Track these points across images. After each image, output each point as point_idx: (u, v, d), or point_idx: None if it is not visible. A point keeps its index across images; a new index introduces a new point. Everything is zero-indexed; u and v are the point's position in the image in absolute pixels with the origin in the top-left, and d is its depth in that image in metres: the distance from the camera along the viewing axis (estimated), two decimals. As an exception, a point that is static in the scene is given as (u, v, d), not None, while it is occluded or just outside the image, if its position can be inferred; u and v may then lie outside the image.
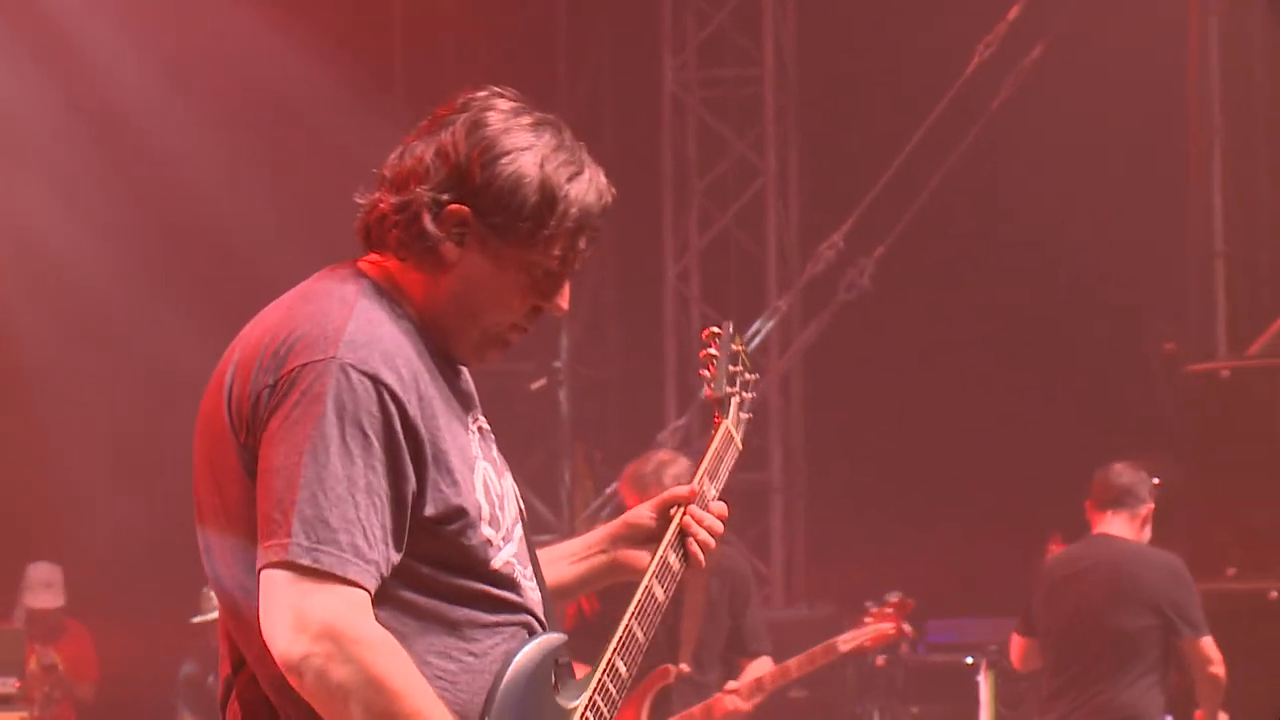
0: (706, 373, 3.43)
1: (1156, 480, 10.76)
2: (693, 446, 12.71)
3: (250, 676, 2.82)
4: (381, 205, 2.91)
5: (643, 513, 3.28)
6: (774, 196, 12.84)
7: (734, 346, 3.46)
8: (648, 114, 13.09)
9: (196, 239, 11.56)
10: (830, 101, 12.75)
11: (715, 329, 3.48)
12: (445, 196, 2.87)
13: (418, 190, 2.87)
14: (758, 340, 12.51)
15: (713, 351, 3.43)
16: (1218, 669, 7.46)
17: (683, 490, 3.26)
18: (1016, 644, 8.05)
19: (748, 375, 3.48)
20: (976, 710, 8.96)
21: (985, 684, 8.88)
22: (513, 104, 2.98)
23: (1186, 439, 9.87)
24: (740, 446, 3.42)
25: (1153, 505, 7.76)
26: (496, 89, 3.00)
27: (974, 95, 11.55)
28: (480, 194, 2.88)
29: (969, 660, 9.75)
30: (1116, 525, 7.71)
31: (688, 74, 13.06)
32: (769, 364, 12.61)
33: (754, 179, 12.92)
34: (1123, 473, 7.77)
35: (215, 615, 3.08)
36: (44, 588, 10.57)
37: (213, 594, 3.05)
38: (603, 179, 3.03)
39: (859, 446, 12.53)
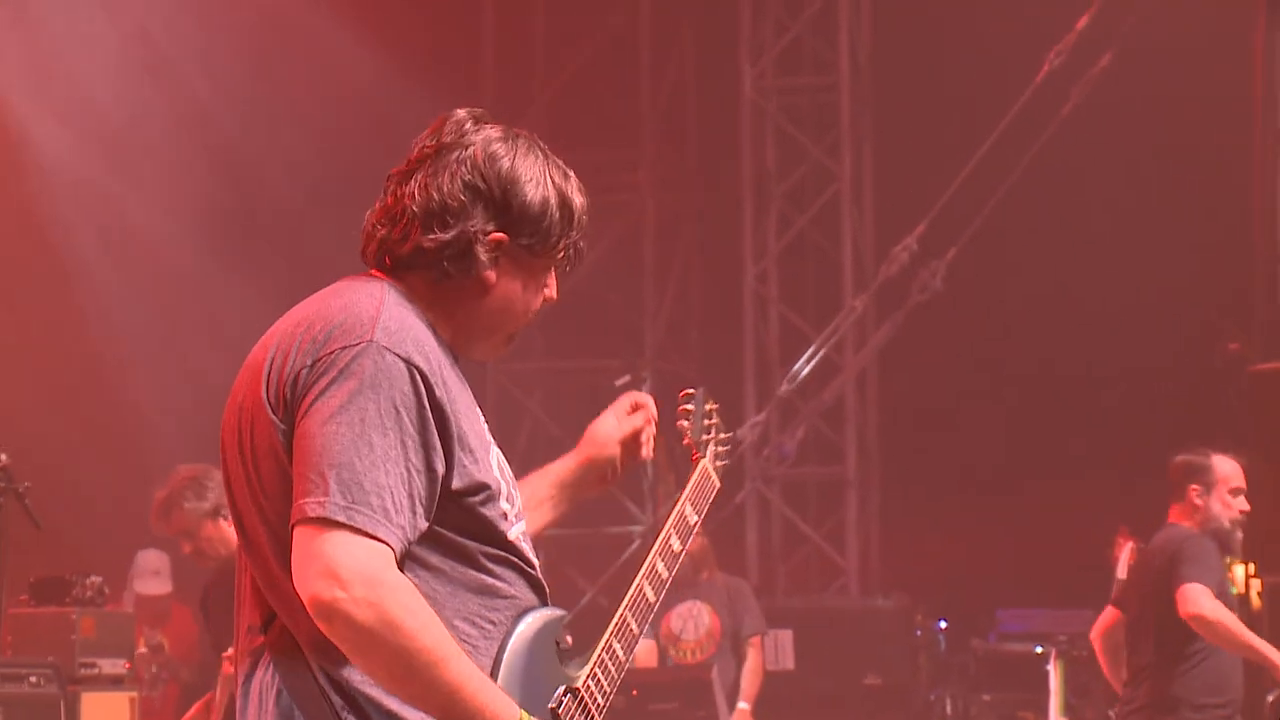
0: (685, 423, 3.66)
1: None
2: (771, 441, 12.72)
3: (281, 628, 2.95)
4: (424, 242, 3.05)
5: (605, 433, 3.53)
6: (849, 200, 12.81)
7: (706, 406, 3.72)
8: (728, 121, 13.10)
9: (285, 246, 11.62)
10: (904, 108, 12.70)
11: (690, 390, 3.76)
12: (490, 227, 3.06)
13: (464, 226, 3.05)
14: (834, 339, 12.49)
15: (688, 407, 3.67)
16: (1195, 612, 7.18)
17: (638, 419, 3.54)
18: (1106, 613, 7.82)
19: (721, 433, 3.74)
20: (1046, 698, 8.90)
21: (1055, 673, 8.84)
22: (500, 127, 3.15)
23: (1251, 437, 9.76)
24: (718, 484, 3.66)
25: (1196, 485, 7.52)
26: (473, 111, 3.17)
27: (1044, 102, 11.50)
28: (517, 221, 3.07)
29: (1039, 650, 9.70)
30: (1174, 513, 7.60)
31: (766, 82, 13.06)
32: (845, 362, 12.60)
33: (830, 183, 12.90)
34: (1173, 464, 7.60)
35: None
36: (152, 574, 10.65)
37: None
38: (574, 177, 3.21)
39: (932, 441, 12.49)
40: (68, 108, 11.42)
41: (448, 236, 3.04)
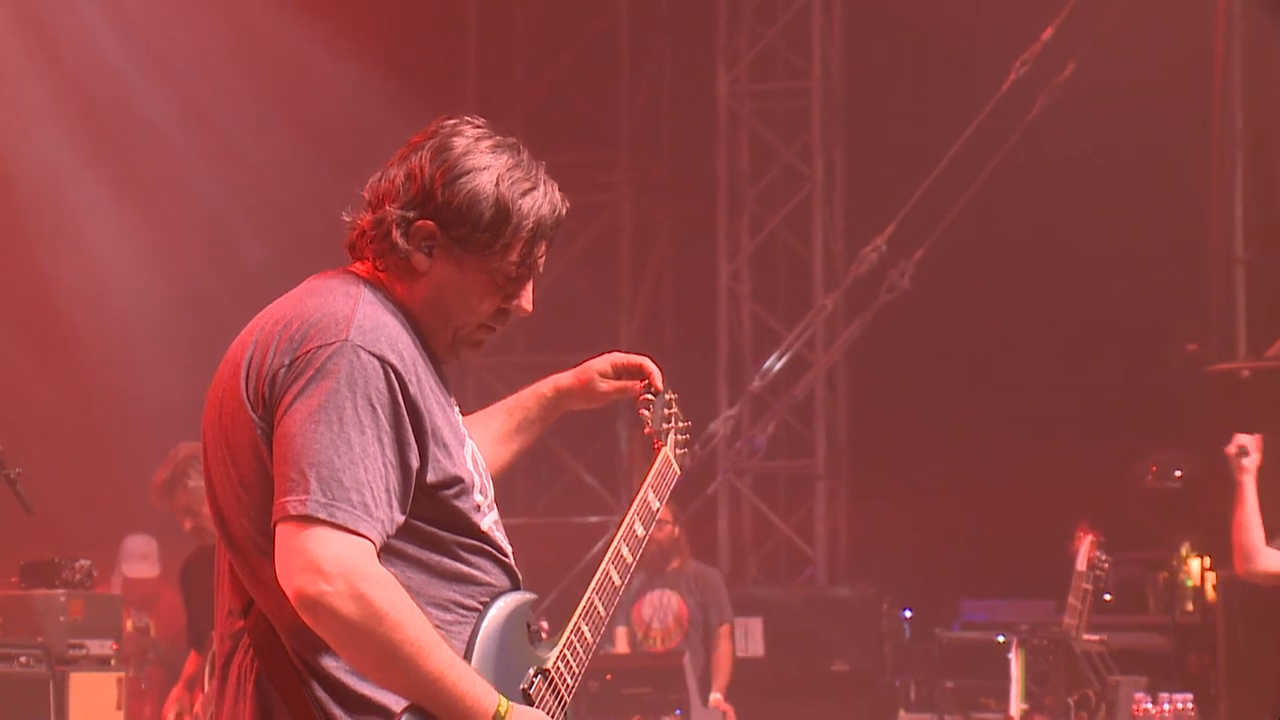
0: (646, 412, 3.56)
1: (1179, 473, 10.62)
2: (742, 435, 12.65)
3: (259, 616, 2.95)
4: (361, 222, 3.08)
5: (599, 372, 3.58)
6: (820, 202, 12.77)
7: (666, 396, 3.64)
8: (703, 124, 13.05)
9: (270, 241, 11.55)
10: (874, 113, 12.67)
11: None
12: (412, 214, 3.03)
13: (389, 208, 3.03)
14: (804, 337, 12.45)
15: (649, 397, 3.57)
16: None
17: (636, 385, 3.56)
18: None
19: (680, 422, 3.66)
20: (1008, 685, 8.87)
21: (1016, 661, 8.79)
22: (477, 130, 3.10)
23: (1207, 435, 9.73)
24: (679, 471, 3.60)
25: None
26: (466, 117, 3.12)
27: (1009, 109, 11.48)
28: (443, 210, 3.03)
29: (1001, 638, 9.65)
30: None
31: (740, 86, 13.01)
32: (815, 359, 12.55)
33: (802, 185, 12.85)
34: None
35: None
36: (140, 558, 10.60)
37: None
38: (557, 194, 3.13)
39: (898, 436, 12.48)
40: (64, 90, 11.35)
41: (372, 217, 3.05)
